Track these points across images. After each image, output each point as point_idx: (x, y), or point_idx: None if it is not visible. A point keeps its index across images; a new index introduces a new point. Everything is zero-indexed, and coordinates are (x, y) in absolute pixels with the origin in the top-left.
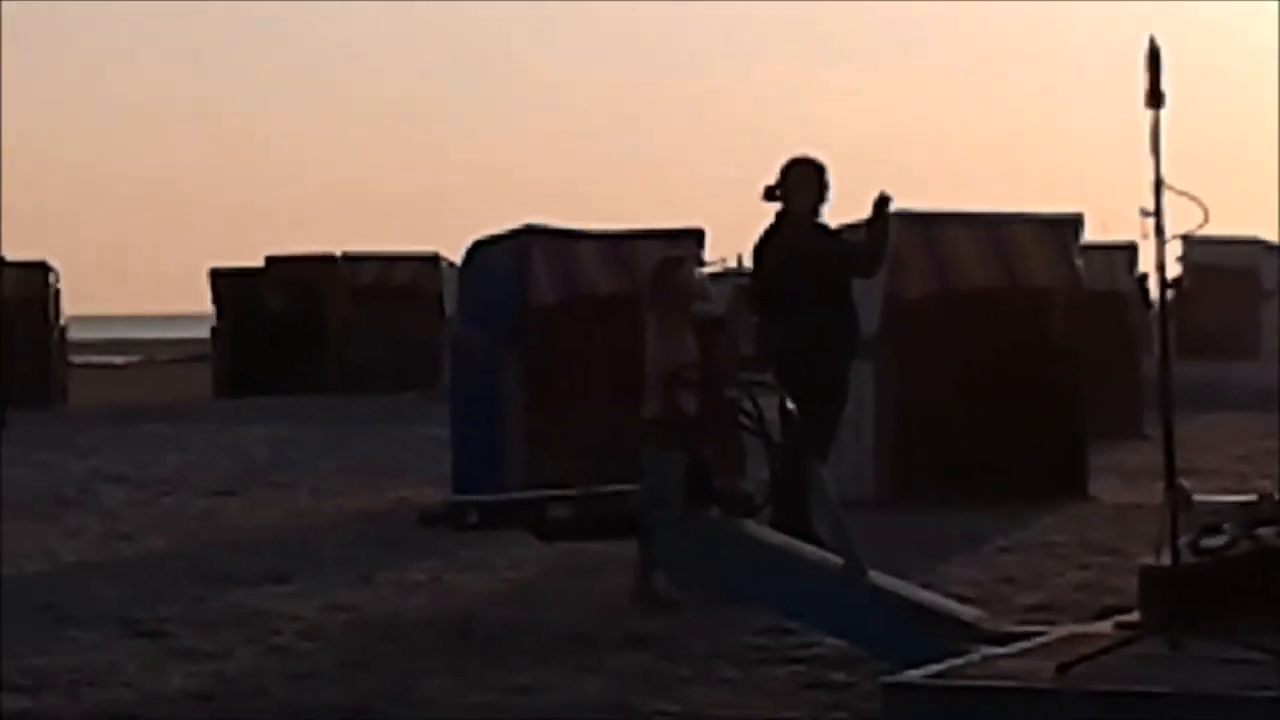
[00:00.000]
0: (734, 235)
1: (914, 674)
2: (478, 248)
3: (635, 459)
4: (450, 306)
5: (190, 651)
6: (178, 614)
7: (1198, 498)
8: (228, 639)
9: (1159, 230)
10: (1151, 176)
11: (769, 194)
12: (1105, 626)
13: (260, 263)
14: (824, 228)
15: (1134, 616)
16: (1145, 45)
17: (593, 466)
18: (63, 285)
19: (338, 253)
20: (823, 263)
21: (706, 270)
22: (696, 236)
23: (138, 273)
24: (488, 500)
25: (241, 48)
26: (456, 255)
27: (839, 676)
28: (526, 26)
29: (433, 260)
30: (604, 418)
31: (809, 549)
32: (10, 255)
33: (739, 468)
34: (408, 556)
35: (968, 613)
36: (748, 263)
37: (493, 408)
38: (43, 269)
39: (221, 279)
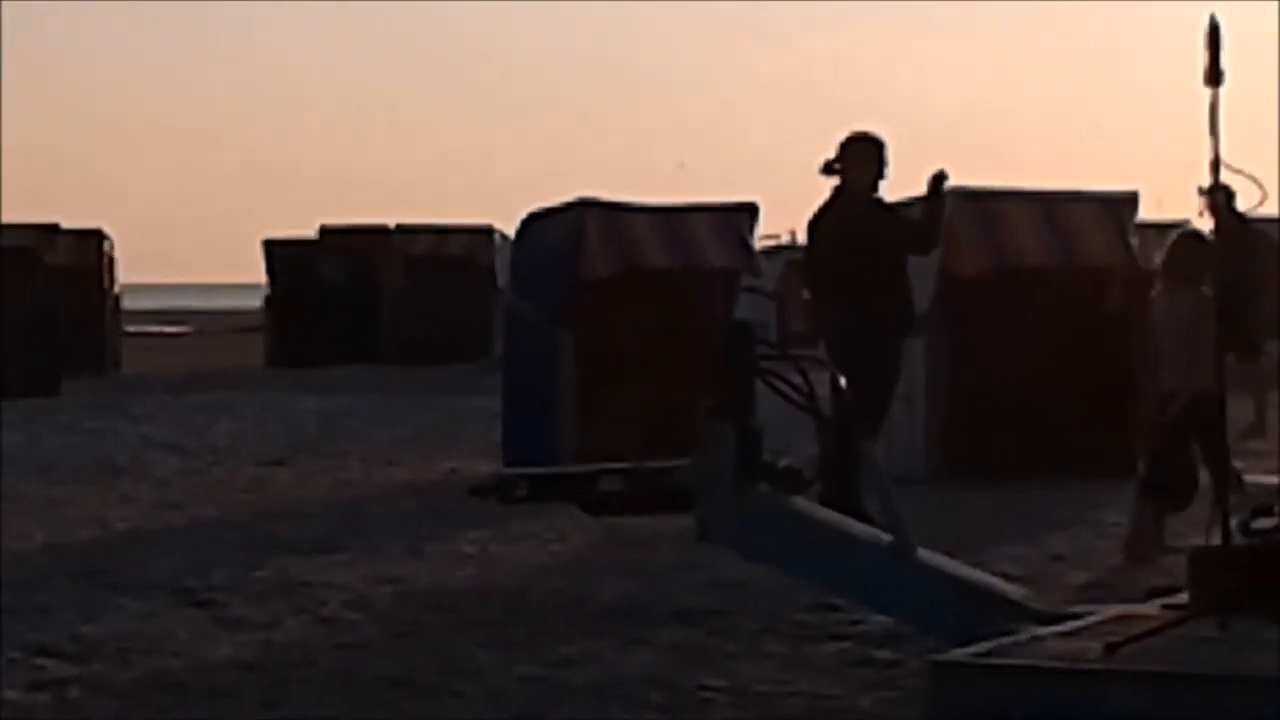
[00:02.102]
0: (788, 210)
1: (961, 652)
2: (531, 220)
3: (686, 432)
4: (503, 278)
5: (239, 621)
6: (227, 583)
7: (1249, 479)
8: (276, 608)
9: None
10: (1210, 155)
11: (827, 169)
12: (1154, 607)
13: (314, 233)
14: (881, 204)
15: (1183, 598)
16: (1205, 22)
17: (643, 440)
18: (117, 253)
19: (391, 224)
20: (878, 239)
21: (760, 245)
22: (750, 211)
23: (191, 242)
24: (538, 473)
25: (296, 22)
26: (510, 227)
27: (885, 654)
28: (592, 5)
29: (486, 232)
30: (655, 391)
31: (857, 525)
32: (65, 223)
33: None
34: (457, 528)
35: (1016, 591)
36: (801, 238)
37: (544, 380)
38: (97, 236)
39: (275, 249)
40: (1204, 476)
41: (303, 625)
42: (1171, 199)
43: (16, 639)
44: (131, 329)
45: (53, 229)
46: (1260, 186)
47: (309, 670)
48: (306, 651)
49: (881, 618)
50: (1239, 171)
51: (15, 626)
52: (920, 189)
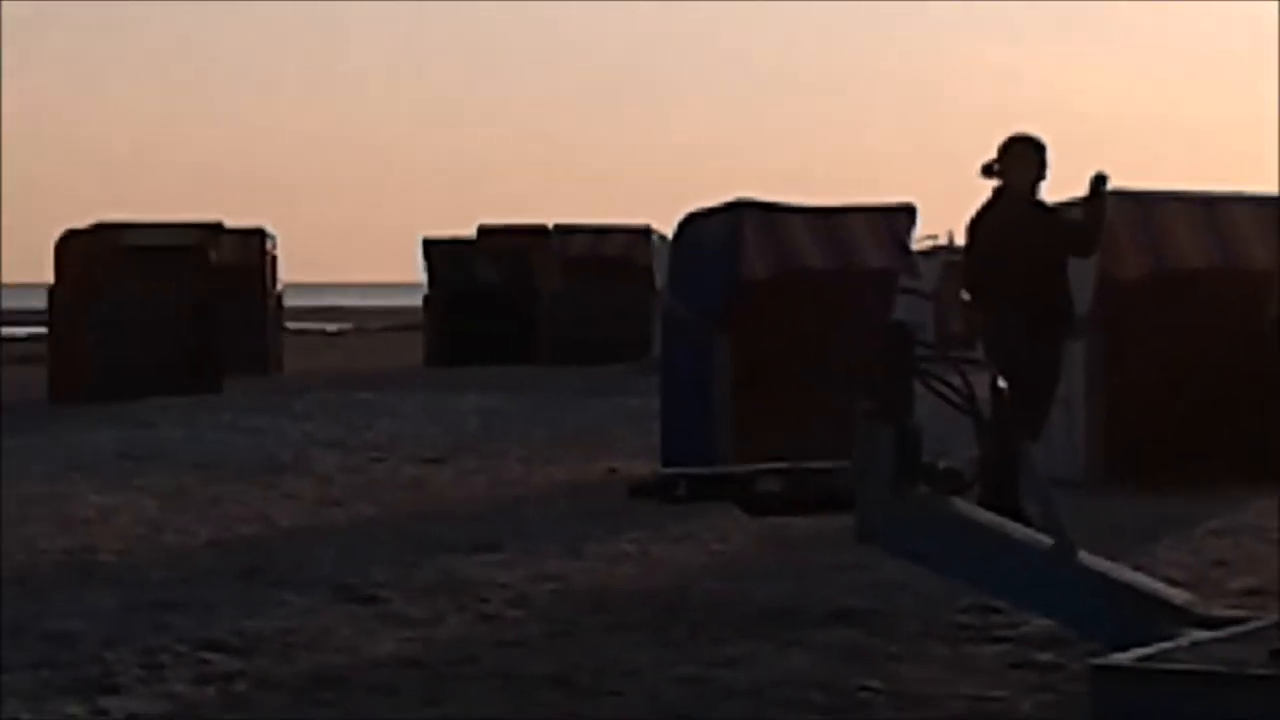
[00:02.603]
0: (946, 211)
1: (1122, 656)
2: (689, 221)
3: (844, 433)
4: (661, 279)
5: (401, 617)
6: (389, 580)
7: None
8: (438, 605)
9: None
10: None
11: (987, 171)
12: None
13: (473, 233)
14: (1041, 205)
15: None
16: None
17: (801, 440)
18: (280, 252)
19: (549, 224)
20: (1037, 241)
21: (918, 246)
22: (908, 212)
23: (352, 241)
24: (697, 473)
25: (455, 25)
26: (668, 228)
27: (1046, 657)
28: (742, 6)
29: (644, 233)
30: (813, 392)
31: (1017, 527)
32: (229, 222)
33: None
34: (616, 528)
35: (1178, 596)
36: (959, 239)
37: (702, 380)
38: (260, 235)
39: (434, 249)
40: None
41: (464, 622)
42: None
43: (183, 633)
44: (293, 327)
45: (217, 228)
46: None
47: (470, 667)
48: (468, 648)
49: (1042, 620)
50: None
51: (181, 621)
52: (1080, 192)
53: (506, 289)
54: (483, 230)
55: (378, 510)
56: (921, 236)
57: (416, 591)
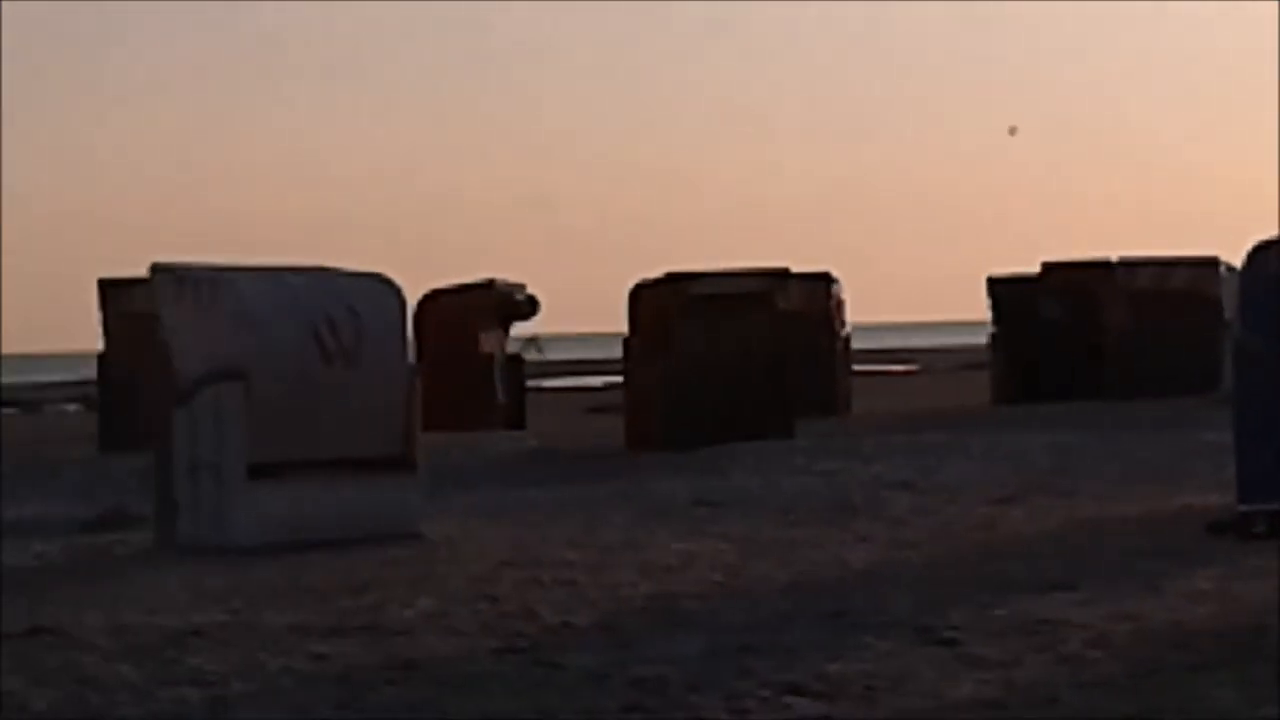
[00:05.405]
0: None
1: None
2: (1258, 250)
3: None
4: (1230, 310)
5: (979, 659)
6: (965, 621)
7: None
8: (1016, 647)
9: None
10: None
11: None
12: None
13: (1036, 269)
14: None
15: None
16: None
17: None
18: (845, 295)
19: (1114, 258)
20: None
21: None
22: None
23: (916, 281)
24: (1276, 509)
25: (924, 52)
26: (1235, 258)
27: None
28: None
29: (1211, 264)
30: None
31: None
32: (795, 268)
33: None
34: (1192, 564)
35: None
36: None
37: (1278, 413)
38: (825, 280)
39: (999, 286)
40: None
41: (1042, 663)
42: None
43: (766, 677)
44: (860, 369)
45: (784, 274)
46: None
47: (1050, 709)
48: (1047, 690)
49: None
50: None
51: (764, 665)
52: None
53: (1072, 325)
54: (1047, 266)
55: (951, 551)
56: None
57: (994, 632)
